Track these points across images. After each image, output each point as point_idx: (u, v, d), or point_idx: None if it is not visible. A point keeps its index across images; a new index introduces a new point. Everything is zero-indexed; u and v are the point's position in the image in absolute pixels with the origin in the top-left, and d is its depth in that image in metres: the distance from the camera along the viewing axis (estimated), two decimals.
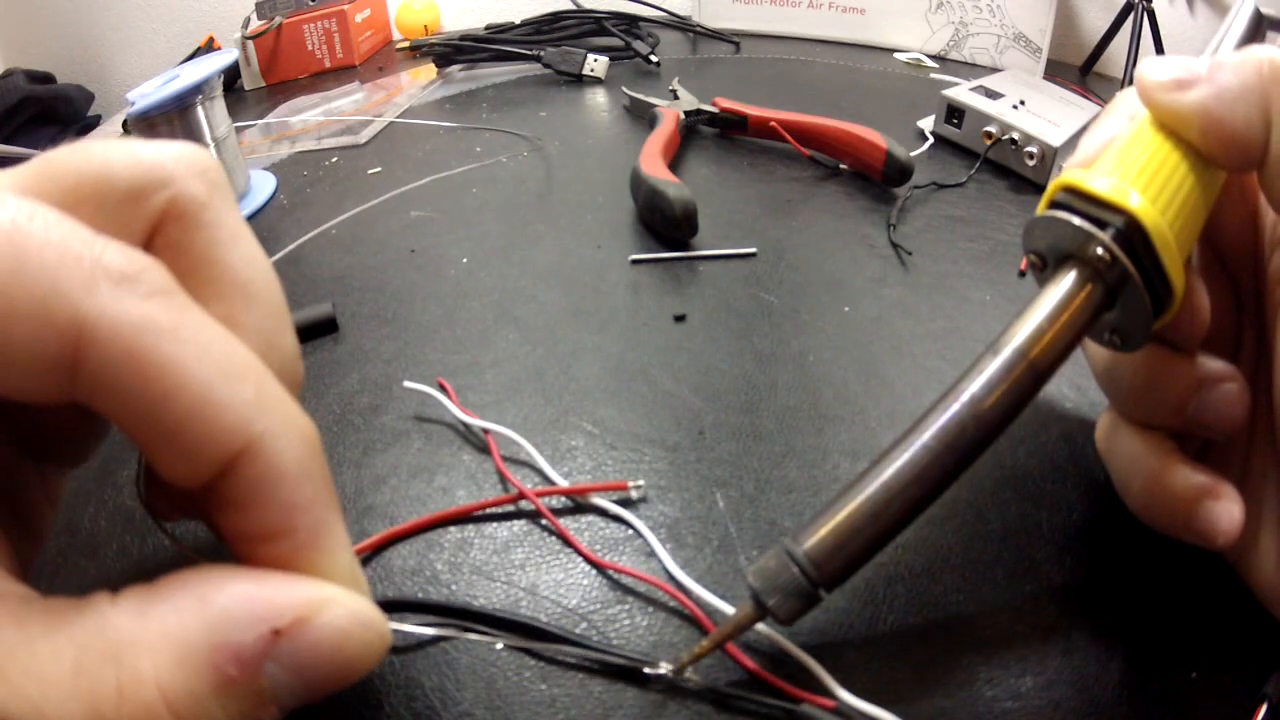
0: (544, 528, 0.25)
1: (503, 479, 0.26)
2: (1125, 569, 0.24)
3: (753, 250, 0.40)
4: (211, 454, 0.13)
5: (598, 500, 0.26)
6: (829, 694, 0.20)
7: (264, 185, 0.48)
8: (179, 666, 0.12)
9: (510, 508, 0.25)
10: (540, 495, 0.25)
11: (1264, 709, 0.20)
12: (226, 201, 0.16)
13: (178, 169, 0.15)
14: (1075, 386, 0.32)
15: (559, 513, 0.25)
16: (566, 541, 0.24)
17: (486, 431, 0.28)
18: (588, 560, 0.24)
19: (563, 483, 0.26)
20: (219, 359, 0.13)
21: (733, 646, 0.21)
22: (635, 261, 0.39)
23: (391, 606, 0.22)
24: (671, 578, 0.23)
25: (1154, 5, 0.65)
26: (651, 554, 0.24)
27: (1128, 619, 0.23)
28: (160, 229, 0.15)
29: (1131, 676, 0.21)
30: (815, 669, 0.20)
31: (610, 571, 0.23)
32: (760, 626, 0.21)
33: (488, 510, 0.25)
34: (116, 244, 0.13)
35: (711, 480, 0.27)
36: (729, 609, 0.22)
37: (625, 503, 0.26)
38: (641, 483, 0.26)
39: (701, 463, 0.27)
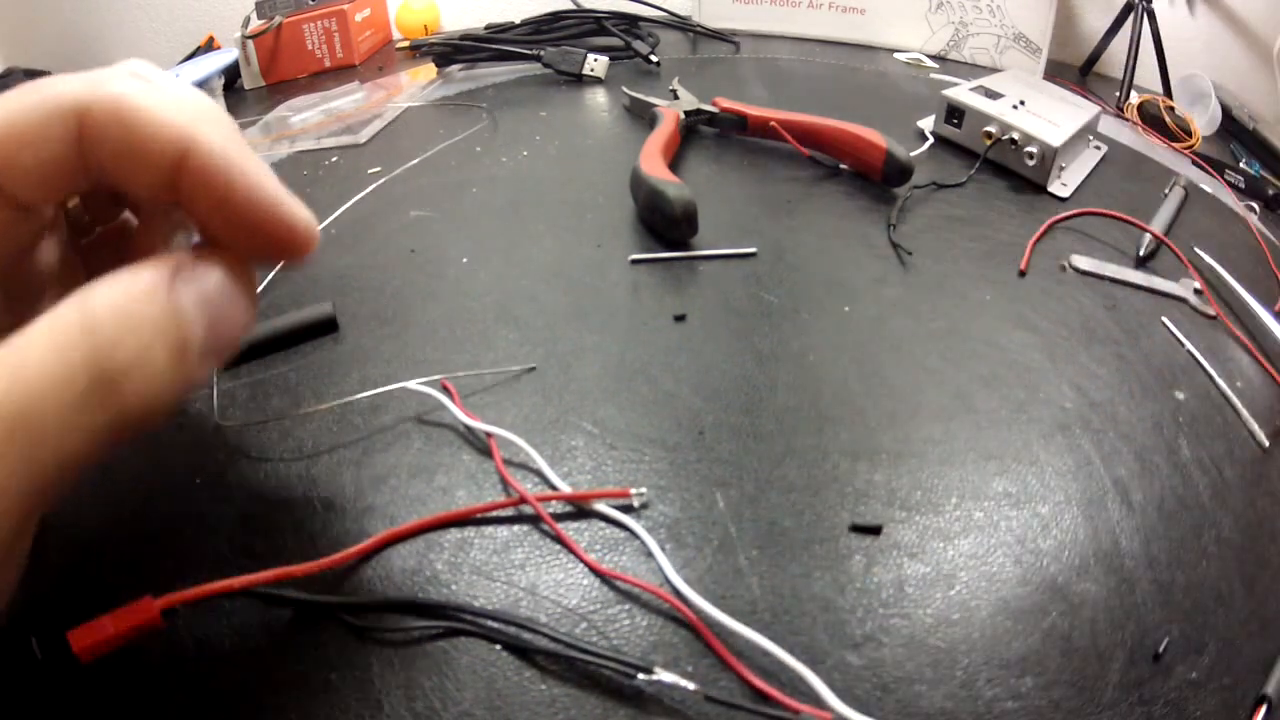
0: (544, 530, 0.25)
1: (504, 482, 0.26)
2: (1125, 568, 0.24)
3: (753, 250, 0.40)
4: (168, 159, 0.18)
5: (598, 505, 0.26)
6: (824, 705, 0.19)
7: None
8: (115, 288, 0.17)
9: (511, 511, 0.25)
10: (542, 500, 0.25)
11: (1264, 709, 0.20)
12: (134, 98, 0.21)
13: (114, 74, 0.20)
14: (1075, 387, 0.32)
15: (559, 516, 0.25)
16: (567, 547, 0.24)
17: (489, 435, 0.28)
18: (588, 567, 0.24)
19: (564, 486, 0.26)
20: (164, 99, 0.18)
21: (730, 656, 0.21)
22: (635, 261, 0.39)
23: (391, 607, 0.22)
24: (669, 583, 0.23)
25: (1154, 5, 0.65)
26: (651, 556, 0.24)
27: (1128, 619, 0.23)
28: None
29: (1131, 676, 0.21)
30: (811, 680, 0.20)
31: (609, 578, 0.23)
32: (755, 636, 0.21)
33: (489, 513, 0.25)
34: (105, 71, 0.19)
35: (711, 480, 0.27)
36: (726, 618, 0.21)
37: (626, 508, 0.26)
38: (644, 490, 0.26)
39: (701, 463, 0.27)
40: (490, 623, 0.22)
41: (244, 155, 0.19)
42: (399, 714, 0.20)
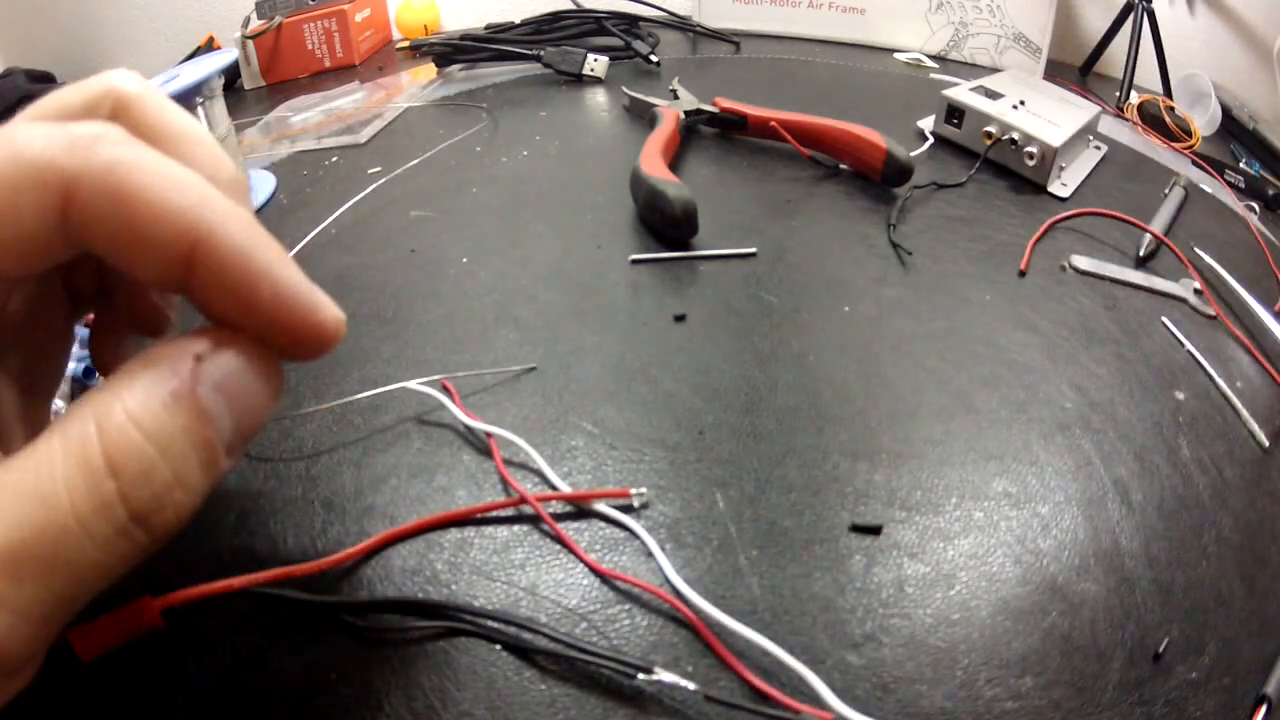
0: (544, 530, 0.25)
1: (504, 482, 0.26)
2: (1125, 568, 0.24)
3: (753, 250, 0.40)
4: (168, 253, 0.16)
5: (598, 505, 0.26)
6: (824, 705, 0.19)
7: (264, 185, 0.48)
8: (136, 398, 0.15)
9: (511, 511, 0.25)
10: (542, 500, 0.25)
11: (1264, 709, 0.20)
12: (154, 92, 0.20)
13: (114, 79, 0.19)
14: (1075, 387, 0.32)
15: (559, 516, 0.25)
16: (567, 546, 0.24)
17: (489, 435, 0.28)
18: (588, 567, 0.24)
19: (564, 486, 0.26)
20: (170, 178, 0.16)
21: (730, 657, 0.21)
22: (635, 261, 0.39)
23: (392, 607, 0.22)
24: (669, 583, 0.23)
25: (1154, 5, 0.65)
26: (651, 556, 0.24)
27: (1128, 619, 0.23)
28: (112, 118, 0.19)
29: (1131, 676, 0.21)
30: (811, 680, 0.20)
31: (610, 579, 0.23)
32: (755, 636, 0.21)
33: (489, 514, 0.25)
34: (83, 124, 0.16)
35: (711, 480, 0.27)
36: (726, 618, 0.21)
37: (626, 508, 0.26)
38: (644, 490, 0.26)
39: (701, 463, 0.27)
40: (490, 623, 0.22)
41: (265, 246, 0.17)
42: (399, 714, 0.20)
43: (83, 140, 0.16)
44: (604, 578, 0.23)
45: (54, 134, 0.16)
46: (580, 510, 0.26)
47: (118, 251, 0.16)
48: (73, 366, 0.29)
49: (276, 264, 0.17)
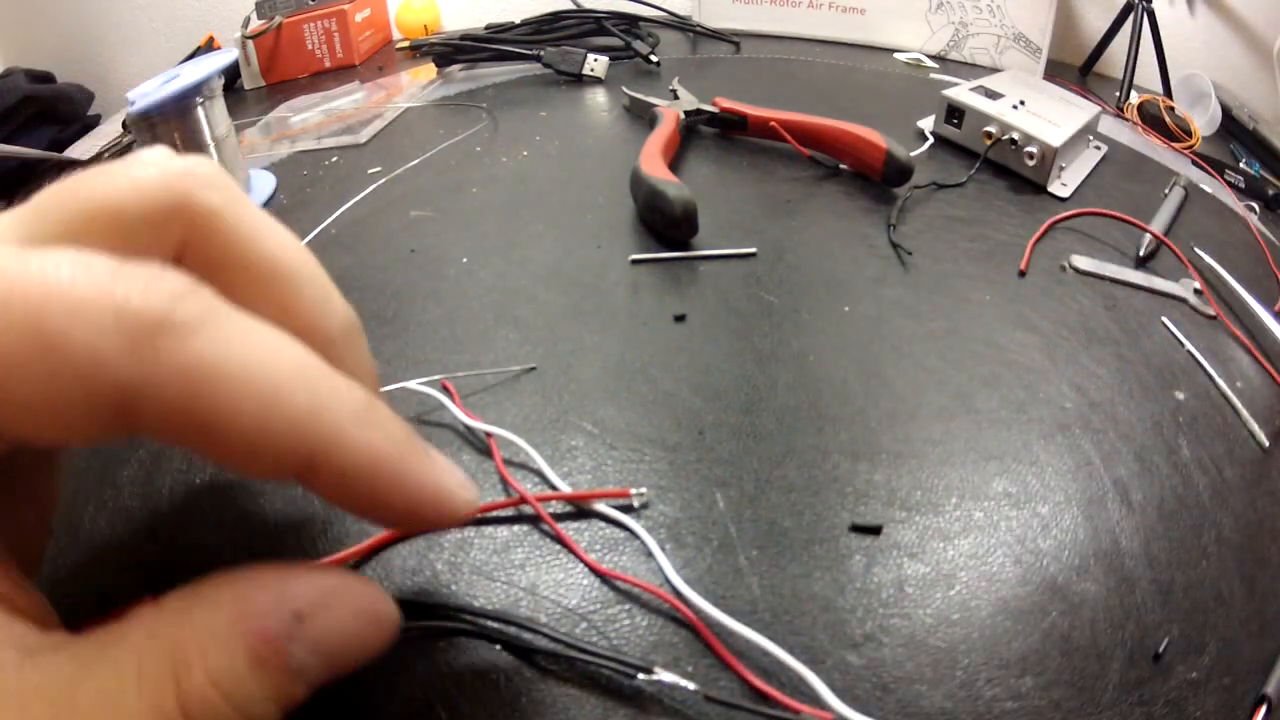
0: (544, 530, 0.25)
1: (504, 482, 0.26)
2: (1125, 568, 0.24)
3: (753, 250, 0.40)
4: (285, 466, 0.14)
5: (598, 505, 0.26)
6: (824, 705, 0.19)
7: (264, 185, 0.48)
8: (220, 652, 0.13)
9: (511, 511, 0.25)
10: (542, 500, 0.25)
11: (1264, 709, 0.20)
12: (240, 200, 0.16)
13: (187, 186, 0.15)
14: (1075, 387, 0.32)
15: (559, 516, 0.25)
16: (567, 546, 0.24)
17: (489, 435, 0.28)
18: (588, 567, 0.24)
19: (564, 487, 0.26)
20: (268, 379, 0.13)
21: (731, 657, 0.21)
22: (635, 261, 0.39)
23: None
24: (669, 583, 0.23)
25: (1154, 5, 0.65)
26: (651, 556, 0.24)
27: (1128, 619, 0.23)
28: (185, 248, 0.15)
29: (1131, 676, 0.21)
30: (811, 680, 0.20)
31: (610, 579, 0.23)
32: (755, 636, 0.21)
33: (489, 514, 0.25)
34: (137, 281, 0.13)
35: (711, 480, 0.27)
36: (726, 618, 0.21)
37: (626, 508, 0.26)
38: (644, 490, 0.26)
39: (701, 463, 0.27)
40: (490, 623, 0.22)
41: (394, 445, 0.14)
42: (399, 714, 0.20)
43: (145, 329, 0.12)
44: (604, 578, 0.23)
45: (103, 322, 0.12)
46: (580, 510, 0.26)
47: (209, 455, 0.13)
48: None
49: (408, 465, 0.15)
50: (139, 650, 0.13)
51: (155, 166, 0.15)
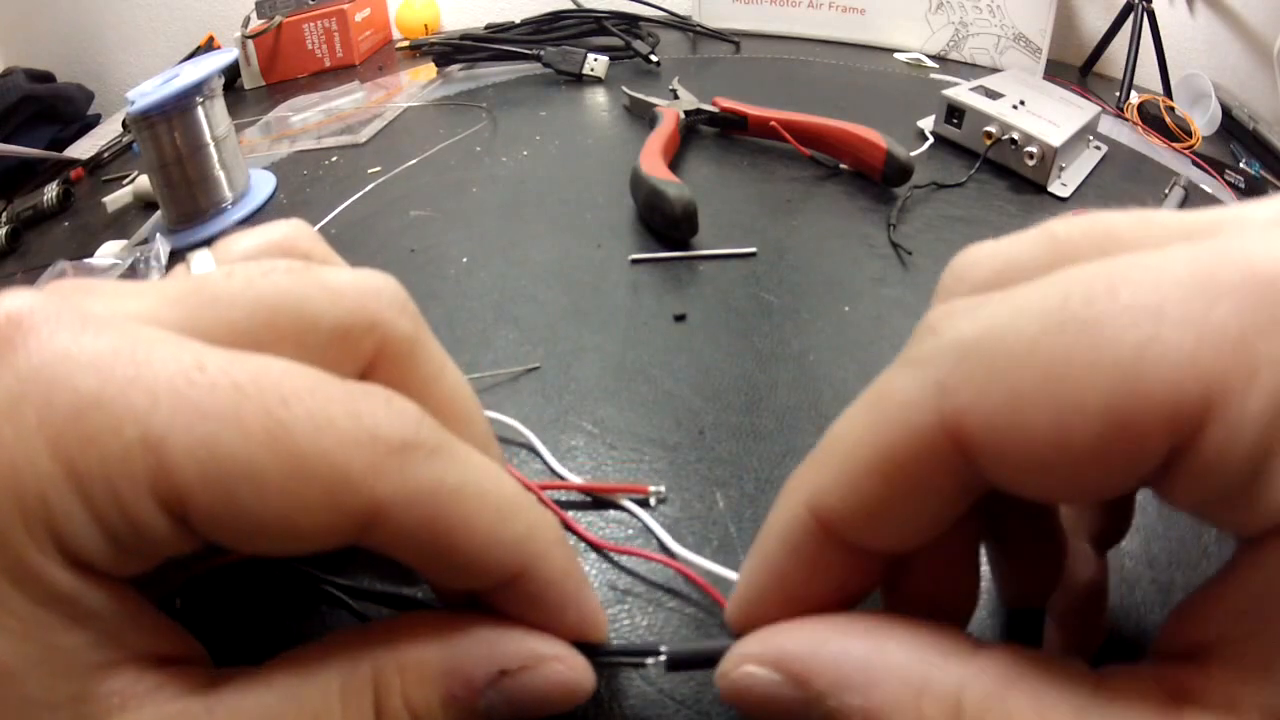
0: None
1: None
2: (1125, 568, 0.24)
3: (753, 250, 0.40)
4: (493, 580, 0.15)
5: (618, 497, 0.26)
6: None
7: (264, 184, 0.48)
8: (420, 684, 0.14)
9: None
10: (552, 489, 0.25)
11: None
12: (426, 333, 0.17)
13: (381, 307, 0.16)
14: None
15: (566, 505, 0.25)
16: (575, 533, 0.24)
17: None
18: (595, 548, 0.24)
19: (573, 478, 0.26)
20: (496, 501, 0.14)
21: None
22: (635, 261, 0.39)
23: (390, 602, 0.22)
24: (678, 557, 0.23)
25: (1154, 5, 0.65)
26: (659, 547, 0.24)
27: (1128, 619, 0.23)
28: (372, 370, 0.15)
29: None
30: None
31: (617, 555, 0.24)
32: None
33: None
34: (377, 400, 0.13)
35: (711, 480, 0.27)
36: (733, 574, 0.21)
37: (641, 503, 0.26)
38: (662, 488, 0.26)
39: (701, 463, 0.27)
40: None
41: (577, 570, 0.16)
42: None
43: (392, 451, 0.13)
44: (611, 558, 0.23)
45: (356, 437, 0.12)
46: (581, 503, 0.26)
47: (424, 568, 0.14)
48: None
49: (585, 588, 0.16)
50: (343, 675, 0.14)
51: (349, 279, 0.15)
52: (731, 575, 0.23)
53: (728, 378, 0.31)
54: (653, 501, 0.26)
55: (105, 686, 0.12)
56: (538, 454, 0.27)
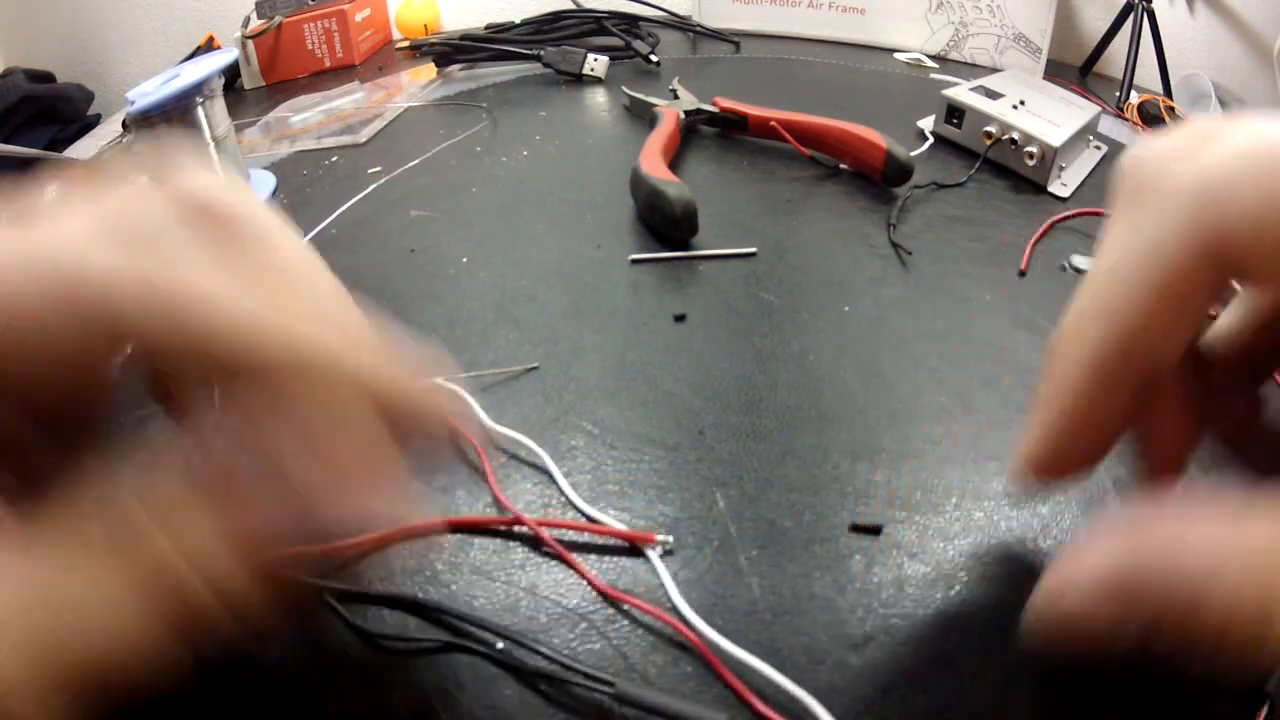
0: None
1: (498, 503, 0.26)
2: None
3: (753, 250, 0.40)
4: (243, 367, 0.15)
5: (606, 519, 0.25)
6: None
7: (264, 184, 0.48)
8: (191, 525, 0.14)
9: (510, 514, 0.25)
10: (549, 526, 0.25)
11: (1265, 709, 0.20)
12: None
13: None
14: None
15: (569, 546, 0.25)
16: (573, 568, 0.24)
17: (479, 450, 0.27)
18: (593, 586, 0.23)
19: (584, 505, 0.25)
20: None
21: (732, 677, 0.20)
22: (635, 261, 0.39)
23: (390, 602, 0.22)
24: (673, 608, 0.22)
25: (1154, 5, 0.65)
26: (657, 573, 0.24)
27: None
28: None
29: (1132, 676, 0.21)
30: (807, 701, 0.20)
31: (614, 599, 0.23)
32: (760, 664, 0.21)
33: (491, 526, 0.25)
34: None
35: (711, 480, 0.27)
36: (734, 647, 0.21)
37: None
38: (670, 539, 0.24)
39: (701, 463, 0.27)
40: (477, 630, 0.21)
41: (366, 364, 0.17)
42: (399, 714, 0.20)
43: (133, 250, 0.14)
44: (610, 598, 0.23)
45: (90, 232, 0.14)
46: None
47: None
48: None
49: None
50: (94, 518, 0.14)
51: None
52: (739, 652, 0.23)
53: (728, 378, 0.31)
54: (659, 551, 0.24)
55: None
56: (553, 480, 0.27)
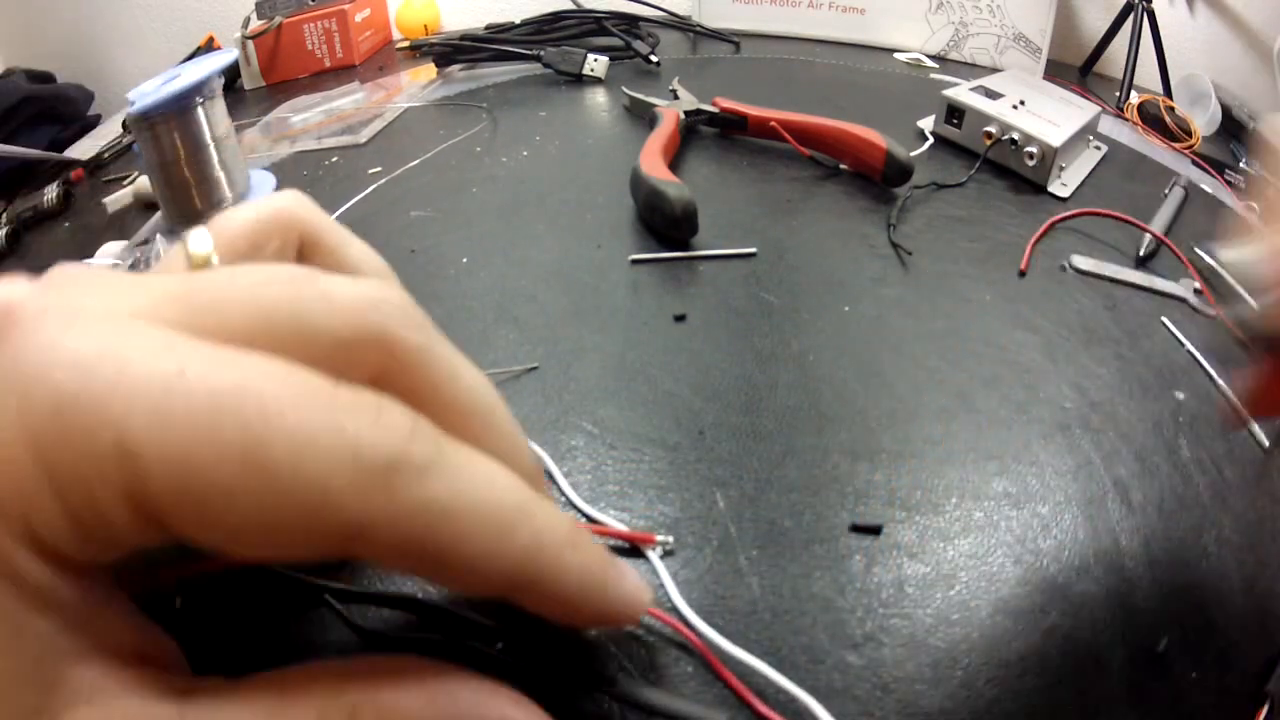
0: None
1: None
2: (1125, 568, 0.24)
3: (753, 250, 0.40)
4: (499, 590, 0.14)
5: (607, 519, 0.25)
6: None
7: (264, 185, 0.48)
8: None
9: None
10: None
11: (1265, 709, 0.20)
12: (435, 338, 0.16)
13: (384, 320, 0.15)
14: (1075, 387, 0.32)
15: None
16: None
17: None
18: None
19: (583, 505, 0.25)
20: (495, 517, 0.14)
21: (733, 678, 0.20)
22: (635, 261, 0.39)
23: (389, 602, 0.22)
24: (675, 610, 0.22)
25: (1154, 5, 0.65)
26: (658, 575, 0.24)
27: (1128, 619, 0.23)
28: (382, 379, 0.15)
29: (1131, 676, 0.21)
30: (807, 701, 0.20)
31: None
32: (761, 666, 0.21)
33: None
34: (366, 414, 0.13)
35: (711, 480, 0.27)
36: (737, 649, 0.21)
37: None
38: (670, 539, 0.24)
39: (701, 463, 0.27)
40: (477, 630, 0.21)
41: (604, 564, 0.16)
42: None
43: (377, 471, 0.12)
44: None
45: (337, 459, 0.12)
46: (587, 518, 0.25)
47: (426, 579, 0.15)
48: None
49: (608, 583, 0.15)
50: (320, 706, 0.13)
51: (352, 293, 0.15)
52: (739, 652, 0.23)
53: (728, 378, 0.31)
54: (659, 552, 0.24)
55: (74, 674, 0.12)
56: (553, 480, 0.27)
